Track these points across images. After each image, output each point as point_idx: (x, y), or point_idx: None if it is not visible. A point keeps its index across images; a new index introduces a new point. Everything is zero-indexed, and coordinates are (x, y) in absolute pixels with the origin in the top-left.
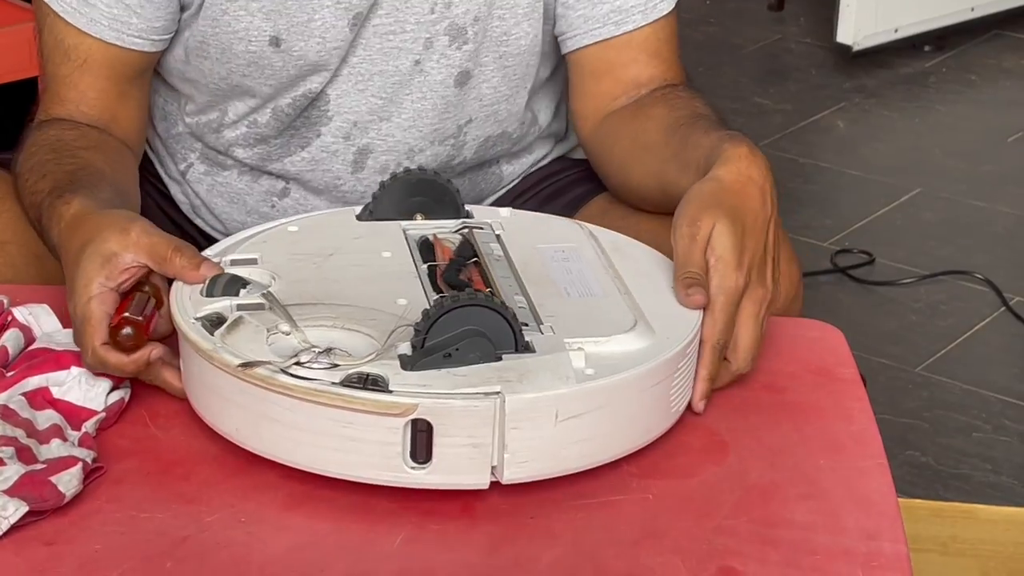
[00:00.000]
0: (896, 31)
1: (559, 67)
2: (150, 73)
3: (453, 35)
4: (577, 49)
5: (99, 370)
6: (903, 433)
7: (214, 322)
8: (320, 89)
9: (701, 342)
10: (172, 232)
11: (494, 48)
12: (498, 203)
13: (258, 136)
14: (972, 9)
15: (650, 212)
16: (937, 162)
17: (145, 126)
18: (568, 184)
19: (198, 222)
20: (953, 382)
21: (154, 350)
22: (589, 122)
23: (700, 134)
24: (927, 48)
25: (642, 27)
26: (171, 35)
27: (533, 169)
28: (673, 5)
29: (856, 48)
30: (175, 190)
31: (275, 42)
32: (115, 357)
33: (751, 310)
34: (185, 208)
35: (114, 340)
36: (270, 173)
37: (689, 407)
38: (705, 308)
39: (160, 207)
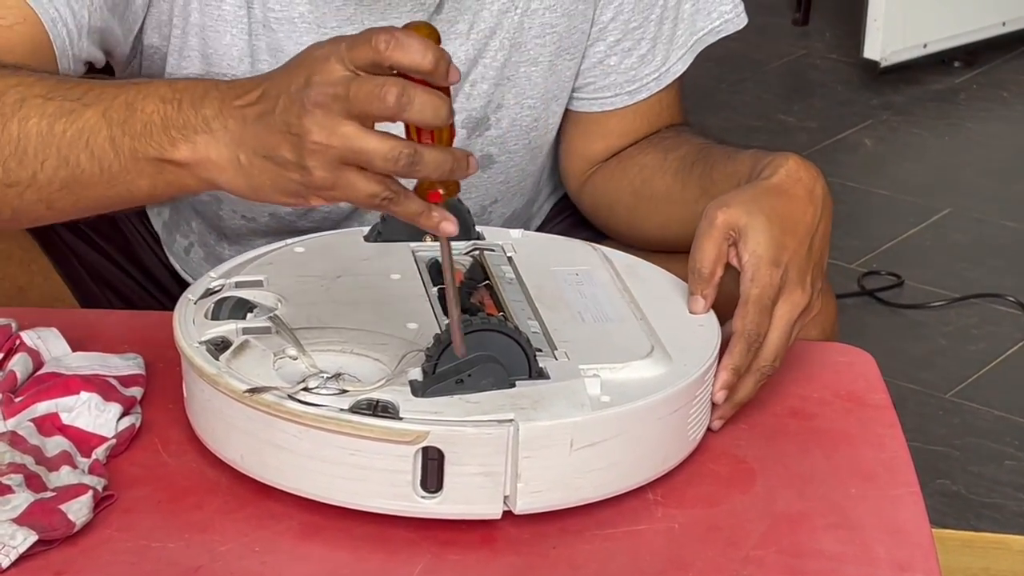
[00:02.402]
0: (925, 46)
1: None
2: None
3: (472, 127)
4: (578, 111)
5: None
6: (933, 461)
7: (219, 346)
8: None
9: (732, 333)
10: (164, 275)
11: (523, 135)
12: None
13: (255, 229)
14: (1003, 24)
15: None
16: (968, 181)
17: None
18: (575, 224)
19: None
20: (985, 408)
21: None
22: (576, 180)
23: (725, 162)
24: (957, 64)
25: (652, 95)
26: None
27: (551, 206)
28: (687, 67)
29: (884, 64)
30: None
31: None
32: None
33: (785, 310)
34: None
35: None
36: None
37: (709, 432)
38: (738, 301)
39: (152, 249)
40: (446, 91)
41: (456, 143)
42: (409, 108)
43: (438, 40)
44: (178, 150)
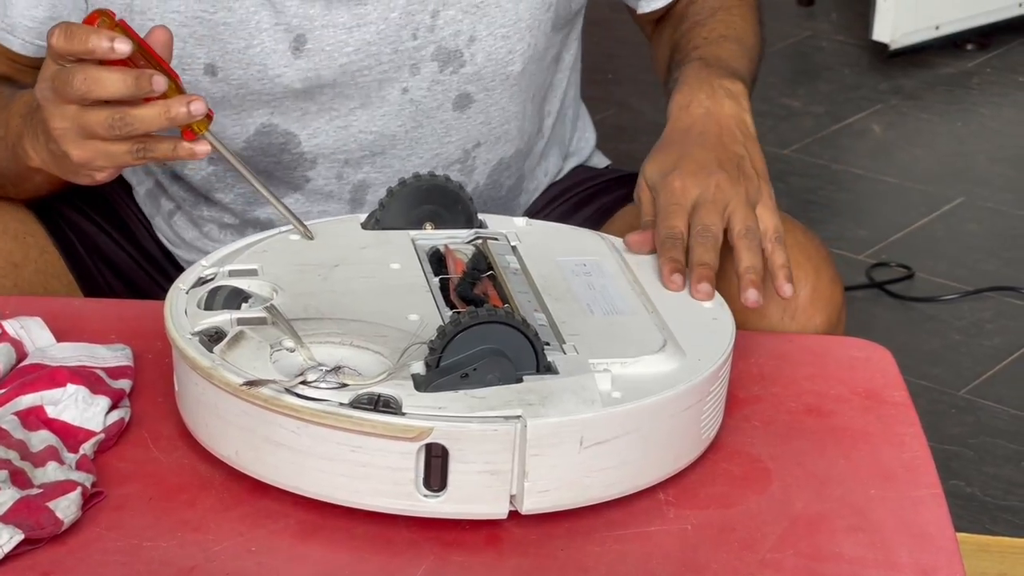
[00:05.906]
0: (937, 28)
1: (561, 56)
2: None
3: (444, 60)
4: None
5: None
6: (946, 461)
7: (213, 337)
8: (277, 124)
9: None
10: (157, 252)
11: (500, 69)
12: None
13: (233, 178)
14: (1020, 5)
15: None
16: (981, 169)
17: None
18: (590, 196)
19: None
20: (999, 406)
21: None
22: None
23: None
24: (970, 47)
25: None
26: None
27: (548, 184)
28: None
29: (893, 46)
30: (161, 227)
31: (211, 70)
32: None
33: (718, 197)
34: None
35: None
36: (256, 220)
37: (722, 430)
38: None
39: (144, 224)
40: (155, 64)
41: (429, 77)
42: (96, 87)
43: (111, 24)
44: (31, 159)
